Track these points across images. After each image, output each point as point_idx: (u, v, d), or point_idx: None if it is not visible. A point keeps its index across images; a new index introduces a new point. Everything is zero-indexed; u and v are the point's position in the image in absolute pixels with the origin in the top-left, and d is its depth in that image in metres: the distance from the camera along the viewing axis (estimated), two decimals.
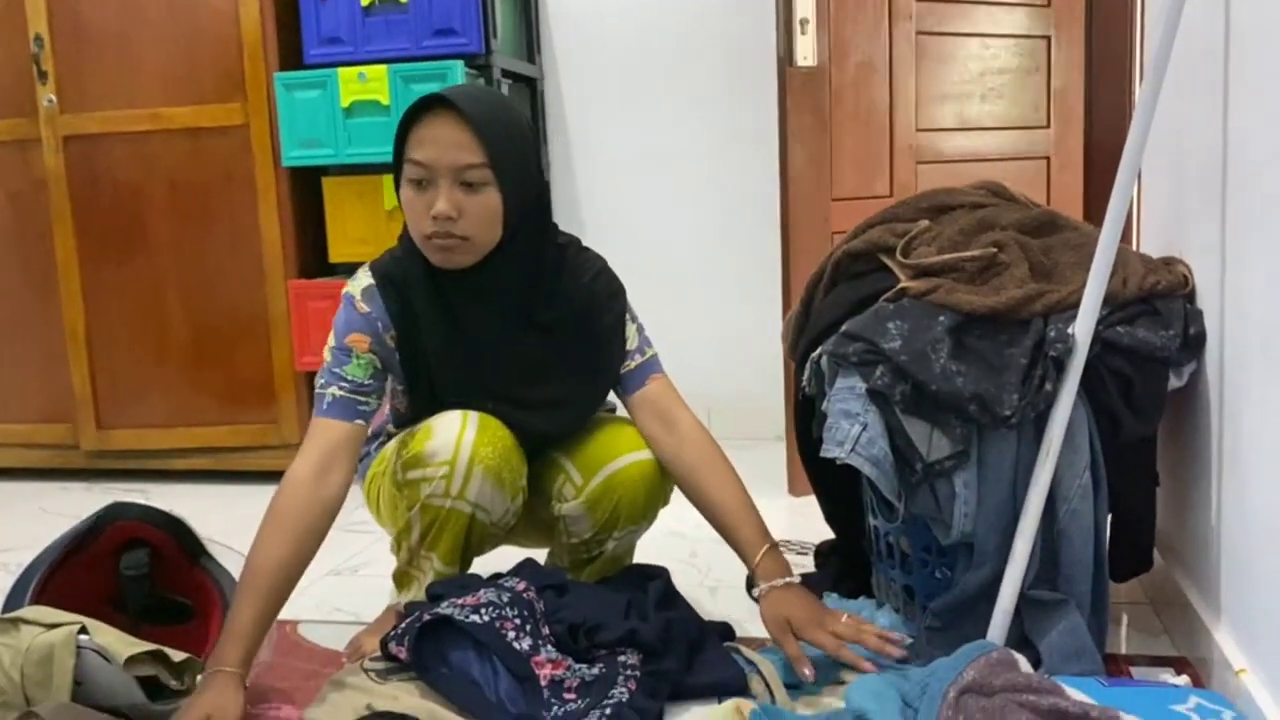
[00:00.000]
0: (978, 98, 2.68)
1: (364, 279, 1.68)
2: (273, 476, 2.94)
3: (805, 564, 2.05)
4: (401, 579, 1.70)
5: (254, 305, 2.88)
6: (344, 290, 1.69)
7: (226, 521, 1.72)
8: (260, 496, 2.88)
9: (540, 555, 1.91)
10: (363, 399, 1.64)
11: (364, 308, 1.66)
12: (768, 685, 1.46)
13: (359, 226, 2.78)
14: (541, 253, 1.67)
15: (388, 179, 2.74)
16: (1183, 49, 1.48)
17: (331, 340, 1.67)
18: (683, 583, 1.79)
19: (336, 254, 2.84)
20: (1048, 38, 2.74)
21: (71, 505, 2.70)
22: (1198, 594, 1.63)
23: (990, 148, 2.65)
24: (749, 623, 1.83)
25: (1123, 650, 1.69)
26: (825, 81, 2.43)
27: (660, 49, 3.15)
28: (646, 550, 1.86)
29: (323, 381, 1.65)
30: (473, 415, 1.63)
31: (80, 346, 2.96)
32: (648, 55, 3.16)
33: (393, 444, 1.72)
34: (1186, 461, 1.68)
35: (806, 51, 2.39)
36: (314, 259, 2.89)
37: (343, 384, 1.64)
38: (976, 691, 1.29)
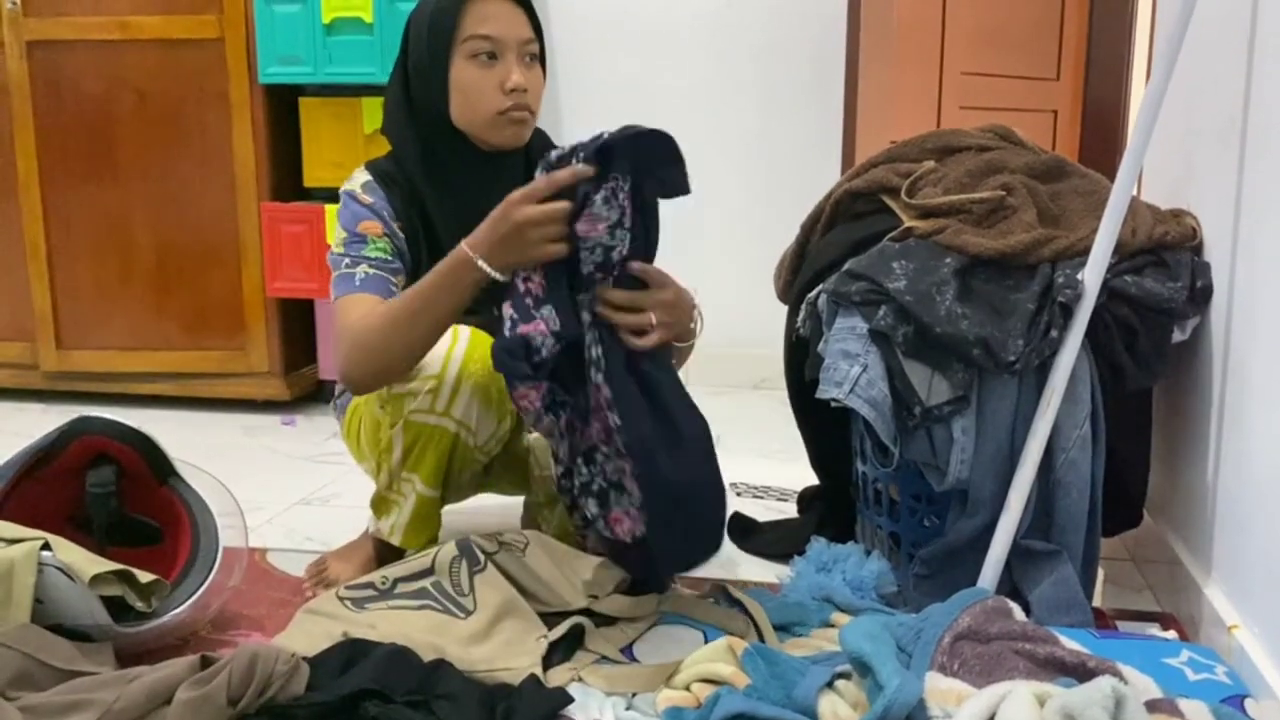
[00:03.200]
0: (1006, 46, 2.61)
1: (361, 176, 1.64)
2: (239, 405, 2.91)
3: (788, 510, 2.03)
4: (380, 504, 1.65)
5: (224, 227, 2.78)
6: (342, 190, 1.63)
7: (191, 450, 1.66)
8: (226, 425, 2.83)
9: (517, 504, 1.87)
10: (393, 279, 1.58)
11: (367, 199, 1.60)
12: (756, 627, 1.43)
13: (336, 150, 2.69)
14: (542, 141, 1.70)
15: (368, 101, 2.65)
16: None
17: (340, 234, 1.60)
18: None
19: (311, 178, 2.75)
20: None
21: (29, 426, 2.62)
22: (1187, 550, 1.62)
23: (1010, 98, 2.61)
24: (733, 566, 1.81)
25: (1102, 604, 1.67)
26: (893, 10, 2.36)
27: None
28: None
29: (347, 263, 1.57)
30: (463, 330, 1.57)
31: (41, 263, 2.85)
32: (662, 20, 3.04)
33: None
34: (1183, 417, 1.66)
35: None
36: (288, 182, 2.79)
37: (370, 262, 1.57)
38: (971, 638, 1.27)
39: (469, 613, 1.44)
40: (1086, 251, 1.49)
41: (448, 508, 1.71)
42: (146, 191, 2.80)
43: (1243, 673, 1.30)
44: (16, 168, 2.81)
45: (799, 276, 1.77)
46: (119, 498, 1.56)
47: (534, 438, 1.68)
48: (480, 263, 1.40)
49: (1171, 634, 1.48)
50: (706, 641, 1.40)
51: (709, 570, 1.75)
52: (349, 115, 2.68)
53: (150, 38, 2.71)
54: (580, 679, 1.35)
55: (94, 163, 2.80)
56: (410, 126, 1.62)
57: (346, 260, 1.57)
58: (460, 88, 1.57)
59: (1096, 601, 1.68)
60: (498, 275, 1.40)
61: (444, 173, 1.61)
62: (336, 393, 1.82)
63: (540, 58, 1.62)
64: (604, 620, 1.47)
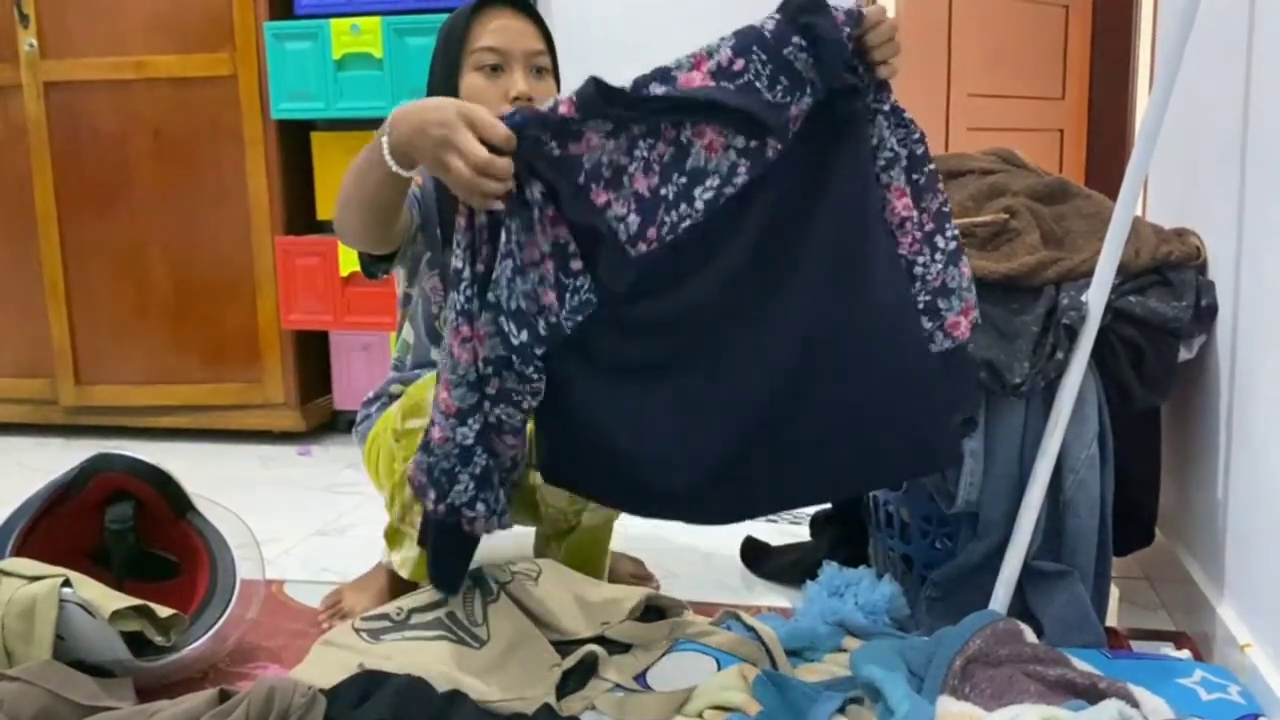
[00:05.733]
0: (1011, 67, 2.63)
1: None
2: (255, 436, 2.94)
3: (801, 533, 2.03)
4: (394, 536, 1.66)
5: (239, 261, 2.82)
6: None
7: (208, 481, 1.68)
8: (243, 456, 2.85)
9: (529, 533, 1.88)
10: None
11: (418, 178, 1.60)
12: (768, 651, 1.43)
13: None
14: None
15: None
16: (1201, 15, 1.44)
17: None
18: (679, 549, 1.76)
19: (325, 211, 2.79)
20: (1065, 6, 2.69)
21: (49, 461, 2.65)
22: (1199, 569, 1.62)
23: (1017, 118, 2.62)
24: (746, 591, 1.81)
25: (1117, 624, 1.67)
26: (900, 34, 2.37)
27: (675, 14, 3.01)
28: (631, 526, 1.81)
29: None
30: None
31: (60, 299, 2.90)
32: (664, 22, 3.03)
33: (396, 402, 1.68)
34: (1192, 435, 1.66)
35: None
36: (301, 215, 2.83)
37: None
38: (983, 661, 1.27)
39: (483, 642, 1.45)
40: (1091, 273, 1.50)
41: None
42: (162, 227, 2.84)
43: (1256, 692, 1.30)
44: (35, 206, 2.86)
45: None
46: (137, 533, 1.58)
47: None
48: (384, 137, 1.23)
49: (1185, 653, 1.48)
50: (720, 668, 1.41)
51: (722, 595, 1.75)
52: (360, 149, 2.70)
53: (165, 76, 2.75)
54: (594, 708, 1.36)
55: (111, 200, 2.85)
56: None
57: None
58: (468, 98, 1.57)
59: (1111, 621, 1.68)
60: (391, 161, 1.24)
61: None
62: (358, 420, 1.83)
63: (553, 71, 1.62)
64: (617, 647, 1.47)
